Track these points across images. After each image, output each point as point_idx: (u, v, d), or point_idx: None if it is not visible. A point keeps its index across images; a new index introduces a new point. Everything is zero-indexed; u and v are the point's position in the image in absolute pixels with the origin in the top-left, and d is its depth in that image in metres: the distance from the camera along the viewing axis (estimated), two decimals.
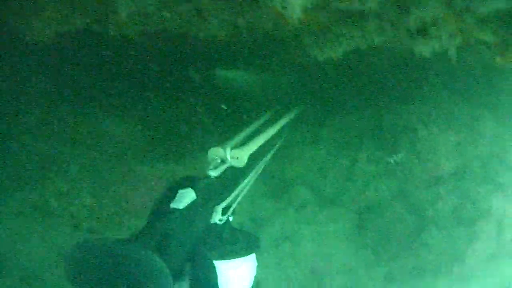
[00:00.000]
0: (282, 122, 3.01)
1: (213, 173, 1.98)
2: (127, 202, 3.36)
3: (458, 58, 2.71)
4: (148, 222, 1.74)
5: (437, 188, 3.84)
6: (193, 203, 1.75)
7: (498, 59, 2.55)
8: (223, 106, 3.51)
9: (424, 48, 2.54)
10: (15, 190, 3.56)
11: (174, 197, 1.76)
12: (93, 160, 3.41)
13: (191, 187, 1.80)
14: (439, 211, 3.79)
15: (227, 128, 3.71)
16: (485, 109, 4.24)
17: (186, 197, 1.75)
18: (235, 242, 1.92)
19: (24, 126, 3.64)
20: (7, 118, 3.63)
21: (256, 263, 1.96)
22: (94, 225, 3.38)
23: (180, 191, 1.77)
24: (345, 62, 3.48)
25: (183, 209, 1.70)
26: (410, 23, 2.32)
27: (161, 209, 1.75)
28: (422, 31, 2.45)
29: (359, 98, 3.88)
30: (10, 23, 2.61)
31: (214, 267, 1.70)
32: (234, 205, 2.09)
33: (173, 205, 1.71)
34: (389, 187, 3.82)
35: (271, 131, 2.68)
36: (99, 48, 3.33)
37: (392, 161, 3.83)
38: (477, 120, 4.22)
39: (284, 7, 2.16)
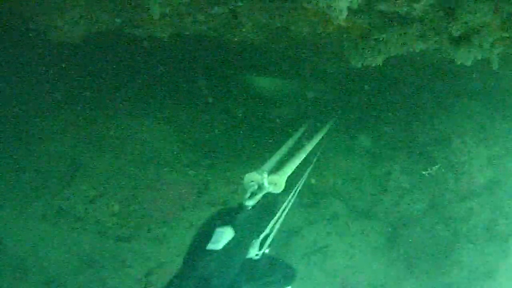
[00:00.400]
0: (316, 139, 2.82)
1: (250, 203, 1.83)
2: (156, 210, 3.25)
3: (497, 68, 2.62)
4: (184, 266, 1.62)
5: (470, 201, 3.75)
6: (231, 241, 1.63)
7: None
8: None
9: (464, 56, 2.43)
10: (40, 194, 3.45)
11: (210, 237, 1.64)
12: (121, 165, 3.30)
13: (229, 224, 1.68)
14: (472, 226, 3.70)
15: (259, 134, 3.62)
16: None
17: (224, 236, 1.63)
18: (271, 275, 1.82)
19: (51, 129, 3.54)
20: (34, 121, 3.53)
21: None
22: (121, 232, 3.26)
23: (218, 230, 1.65)
24: (382, 71, 3.39)
25: (221, 249, 1.59)
26: (453, 29, 2.20)
27: (196, 251, 1.64)
28: (465, 38, 2.34)
29: (394, 108, 3.77)
30: (38, 23, 2.49)
31: None
32: (271, 237, 1.94)
33: (210, 246, 1.59)
34: (422, 200, 3.72)
35: (306, 151, 2.50)
36: (130, 50, 3.23)
37: (426, 173, 3.73)
38: (510, 133, 4.13)
39: (329, 7, 2.04)
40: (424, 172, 3.72)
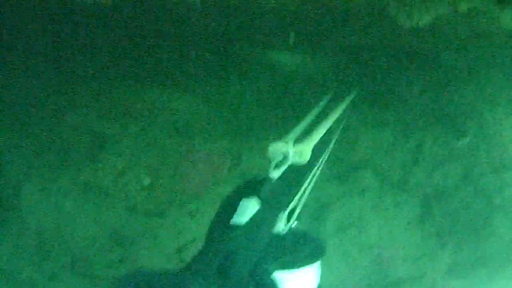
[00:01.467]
0: (341, 107, 2.73)
1: (276, 174, 1.70)
2: (188, 183, 3.14)
3: None
4: (207, 241, 1.53)
5: (504, 173, 3.67)
6: (256, 214, 1.53)
7: None
8: None
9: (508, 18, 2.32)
10: (64, 169, 3.32)
11: (234, 210, 1.54)
12: (151, 136, 3.18)
13: (255, 195, 1.58)
14: (507, 198, 3.62)
15: (287, 109, 3.52)
16: None
17: (249, 209, 1.53)
18: (299, 250, 1.71)
19: (76, 101, 3.40)
20: (58, 93, 3.40)
21: (320, 271, 1.73)
22: (152, 207, 3.16)
23: (243, 202, 1.55)
24: (417, 35, 3.29)
25: (246, 223, 1.49)
26: None
27: (220, 226, 1.54)
28: None
29: (426, 78, 3.68)
30: None
31: (276, 284, 1.47)
32: (298, 209, 1.85)
33: (235, 219, 1.50)
34: (456, 172, 3.63)
35: (331, 119, 2.39)
36: (160, 14, 3.10)
37: (459, 144, 3.65)
38: None
39: None
40: (456, 142, 3.66)
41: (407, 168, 3.57)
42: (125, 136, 3.22)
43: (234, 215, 1.51)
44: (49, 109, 3.39)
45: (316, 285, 1.73)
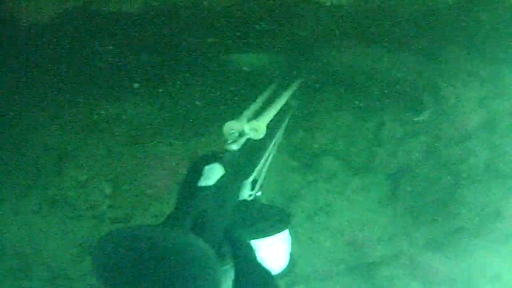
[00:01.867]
0: (292, 88, 2.90)
1: (234, 147, 1.80)
2: (149, 187, 3.18)
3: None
4: (177, 204, 1.58)
5: (467, 143, 3.68)
6: (222, 178, 1.60)
7: None
8: None
9: None
10: (32, 187, 3.40)
11: (200, 174, 1.60)
12: (109, 146, 3.24)
13: (218, 162, 1.66)
14: (473, 166, 3.62)
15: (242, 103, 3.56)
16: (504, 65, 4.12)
17: (214, 173, 1.61)
18: (266, 219, 1.77)
19: (36, 121, 3.48)
20: (18, 115, 3.48)
21: (290, 239, 1.82)
22: (117, 214, 3.20)
23: (207, 167, 1.62)
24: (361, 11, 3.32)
25: (214, 185, 1.56)
26: None
27: (189, 189, 1.59)
28: None
29: (378, 58, 3.72)
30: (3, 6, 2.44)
31: (251, 245, 1.55)
32: (261, 179, 1.95)
33: (202, 182, 1.56)
34: (419, 147, 3.65)
35: (283, 99, 2.55)
36: (103, 27, 3.18)
37: (419, 119, 3.67)
38: (497, 75, 4.09)
39: None
40: (416, 119, 3.68)
41: (370, 150, 3.60)
42: (85, 149, 3.28)
43: (201, 179, 1.57)
44: (14, 130, 3.47)
45: (288, 253, 1.81)
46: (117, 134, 3.24)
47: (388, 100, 3.71)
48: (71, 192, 3.23)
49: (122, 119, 3.26)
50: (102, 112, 3.39)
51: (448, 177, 3.61)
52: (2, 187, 3.50)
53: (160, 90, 3.32)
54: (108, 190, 3.18)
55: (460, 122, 3.77)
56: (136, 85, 3.18)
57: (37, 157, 3.42)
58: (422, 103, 3.71)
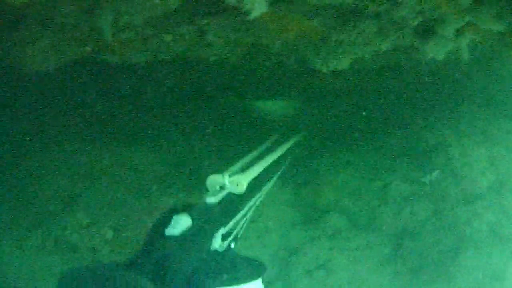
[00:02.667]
0: (283, 147, 2.95)
1: (213, 199, 1.87)
2: None
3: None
4: (142, 248, 1.62)
5: (473, 205, 3.64)
6: (189, 229, 1.66)
7: None
8: None
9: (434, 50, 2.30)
10: (37, 225, 3.43)
11: (168, 223, 1.66)
12: (114, 192, 3.26)
13: (187, 213, 1.71)
14: (477, 230, 3.59)
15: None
16: None
17: (181, 223, 1.66)
18: (237, 269, 1.81)
19: (45, 164, 3.53)
20: (29, 159, 3.52)
21: None
22: (116, 259, 3.19)
23: (175, 217, 1.68)
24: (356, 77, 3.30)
25: (179, 235, 1.61)
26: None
27: (156, 235, 1.66)
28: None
29: (388, 117, 3.71)
30: (7, 54, 2.43)
31: None
32: (236, 232, 2.00)
33: (168, 232, 1.62)
34: (424, 208, 3.62)
35: (272, 157, 2.60)
36: (106, 77, 3.20)
37: (426, 181, 3.64)
38: (510, 133, 4.06)
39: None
40: (424, 179, 3.65)
41: (376, 208, 3.57)
42: (90, 194, 3.30)
43: (168, 227, 1.63)
44: (21, 174, 3.51)
45: None
46: (123, 180, 3.25)
47: (397, 159, 3.69)
48: (74, 234, 3.23)
49: (129, 166, 3.27)
50: (108, 158, 3.42)
51: (451, 240, 3.57)
52: (10, 225, 3.54)
53: (165, 140, 3.33)
54: (109, 235, 3.18)
55: (468, 183, 3.74)
56: (141, 134, 3.19)
57: (44, 199, 3.46)
58: (431, 163, 3.69)
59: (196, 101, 3.26)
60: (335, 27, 2.21)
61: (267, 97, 4.06)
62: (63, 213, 3.34)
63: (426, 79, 3.57)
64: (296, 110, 4.36)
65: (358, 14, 2.10)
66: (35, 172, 3.49)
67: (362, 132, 3.70)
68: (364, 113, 3.66)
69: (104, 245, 3.18)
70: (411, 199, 3.61)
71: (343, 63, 2.46)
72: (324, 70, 2.47)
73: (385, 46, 2.35)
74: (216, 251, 1.81)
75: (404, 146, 3.67)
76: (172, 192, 3.17)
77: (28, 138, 3.19)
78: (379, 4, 1.95)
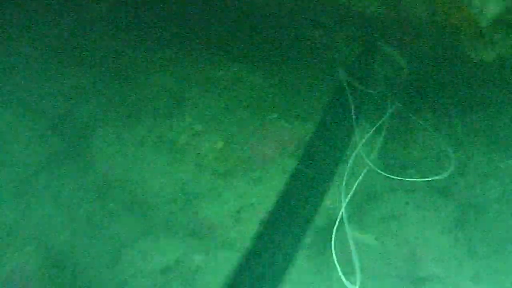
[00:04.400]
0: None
1: None
2: (256, 153, 3.38)
3: None
4: None
5: None
6: None
7: None
8: None
9: None
10: (139, 121, 3.58)
11: None
12: (228, 104, 3.43)
13: None
14: None
15: None
16: None
17: None
18: None
19: (154, 63, 3.66)
20: (138, 54, 3.65)
21: None
22: (219, 167, 3.40)
23: None
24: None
25: None
26: None
27: None
28: None
29: (471, 97, 3.91)
30: None
31: None
32: None
33: None
34: (495, 189, 3.87)
35: None
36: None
37: (502, 166, 3.88)
38: None
39: None
40: (500, 164, 3.89)
41: (454, 177, 3.81)
42: (203, 100, 3.46)
43: None
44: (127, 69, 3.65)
45: None
46: (239, 95, 3.42)
47: (479, 138, 3.92)
48: (183, 136, 3.42)
49: (246, 83, 3.43)
50: (224, 71, 3.56)
51: None
52: (108, 111, 3.69)
53: (286, 68, 3.49)
54: (218, 144, 3.37)
55: None
56: (263, 53, 3.34)
57: (152, 95, 3.60)
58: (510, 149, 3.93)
59: None
60: None
61: None
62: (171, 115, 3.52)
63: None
64: None
65: None
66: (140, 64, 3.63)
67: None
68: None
69: (211, 152, 3.39)
70: (486, 177, 3.85)
71: None
72: None
73: None
74: None
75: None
76: (286, 117, 3.36)
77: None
78: None
